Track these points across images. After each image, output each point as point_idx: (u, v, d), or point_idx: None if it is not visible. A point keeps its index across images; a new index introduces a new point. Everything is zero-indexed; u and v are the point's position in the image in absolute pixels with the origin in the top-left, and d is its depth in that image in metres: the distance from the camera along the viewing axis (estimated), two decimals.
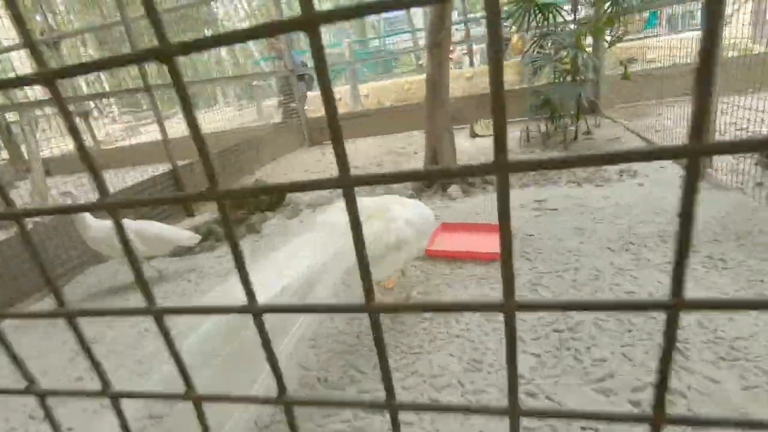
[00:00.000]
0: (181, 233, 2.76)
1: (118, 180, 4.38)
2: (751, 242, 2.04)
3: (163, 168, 4.30)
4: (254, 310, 0.29)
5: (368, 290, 0.26)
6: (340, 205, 1.82)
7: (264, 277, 1.26)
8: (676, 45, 5.38)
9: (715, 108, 2.85)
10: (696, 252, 2.03)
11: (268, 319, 0.32)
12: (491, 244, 2.38)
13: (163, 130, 3.88)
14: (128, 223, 2.65)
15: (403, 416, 1.37)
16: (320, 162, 5.61)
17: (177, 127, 6.53)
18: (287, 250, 1.46)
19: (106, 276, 2.93)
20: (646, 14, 8.71)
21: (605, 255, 2.13)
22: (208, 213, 4.12)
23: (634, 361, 1.43)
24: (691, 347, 1.45)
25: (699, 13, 8.92)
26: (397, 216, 1.72)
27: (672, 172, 3.21)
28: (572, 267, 2.05)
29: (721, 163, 2.92)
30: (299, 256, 1.40)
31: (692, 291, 1.75)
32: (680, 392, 1.29)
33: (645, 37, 8.24)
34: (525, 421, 1.27)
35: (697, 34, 4.84)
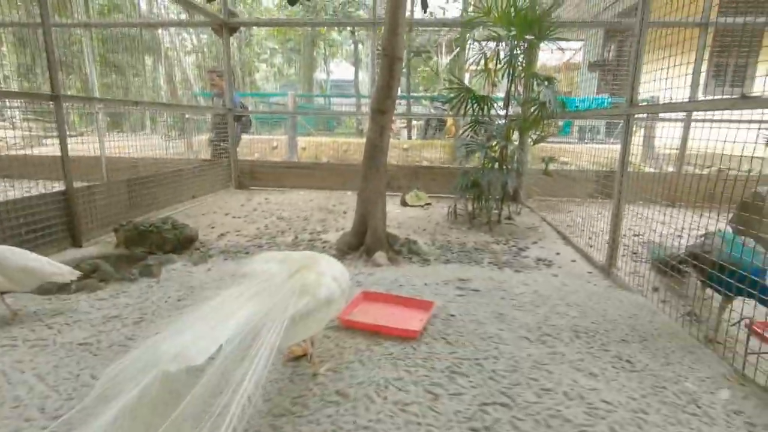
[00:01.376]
0: (58, 266, 2.30)
1: None
2: (653, 346, 2.12)
3: (56, 187, 3.73)
4: None
5: None
6: (264, 255, 1.66)
7: (203, 329, 1.11)
8: (583, 152, 6.10)
9: (620, 214, 3.14)
10: (606, 350, 2.07)
11: None
12: (412, 320, 2.26)
13: (63, 145, 3.40)
14: None
15: None
16: (244, 207, 5.28)
17: (88, 146, 5.89)
18: (220, 300, 1.30)
19: None
20: (561, 123, 9.89)
21: (523, 345, 2.09)
22: (98, 246, 3.58)
23: None
24: None
25: (603, 129, 10.36)
26: (325, 271, 1.61)
27: (581, 267, 3.41)
28: (492, 356, 1.98)
29: (623, 264, 3.16)
30: (236, 307, 1.22)
31: (604, 392, 1.73)
32: None
33: (560, 142, 9.31)
34: None
35: (599, 146, 5.50)
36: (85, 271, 2.70)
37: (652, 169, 6.46)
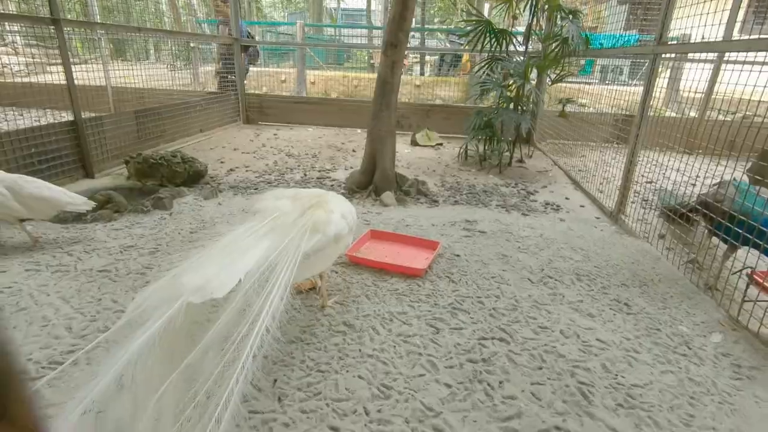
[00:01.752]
0: (73, 197, 2.35)
1: (8, 121, 3.70)
2: (652, 291, 2.18)
3: (65, 117, 3.71)
4: None
5: None
6: (275, 192, 1.67)
7: (223, 263, 1.16)
8: (603, 94, 5.83)
9: (634, 160, 3.07)
10: (606, 293, 2.12)
11: None
12: (418, 258, 2.31)
13: (68, 73, 3.33)
14: (1, 176, 2.20)
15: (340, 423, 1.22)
16: (252, 142, 5.24)
17: (92, 75, 5.77)
18: (235, 235, 1.34)
19: None
20: (583, 61, 9.39)
21: (525, 286, 2.15)
22: (110, 177, 3.62)
23: (542, 401, 1.42)
24: (595, 391, 1.47)
25: (626, 69, 9.83)
26: (333, 208, 1.63)
27: (590, 212, 3.40)
28: (493, 294, 2.04)
29: (632, 210, 3.15)
30: (252, 244, 1.27)
31: (600, 331, 1.81)
32: None
33: (579, 82, 8.89)
34: None
35: (621, 88, 5.25)
36: (99, 202, 2.75)
37: (673, 114, 6.21)
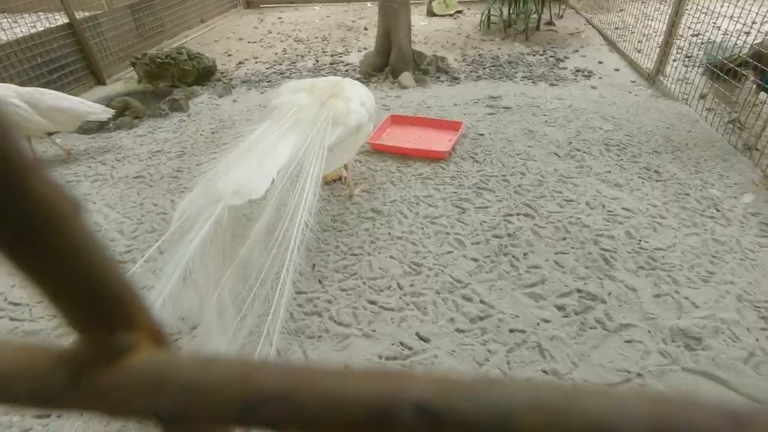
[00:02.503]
0: (91, 105, 2.35)
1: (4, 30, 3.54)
2: (685, 156, 2.11)
3: (59, 19, 3.52)
4: None
5: None
6: (290, 85, 1.62)
7: (254, 164, 1.19)
8: None
9: (681, 8, 2.72)
10: (636, 162, 2.08)
11: None
12: (441, 140, 2.28)
13: None
14: (18, 90, 2.19)
15: (342, 317, 1.37)
16: (257, 30, 4.90)
17: None
18: (259, 134, 1.36)
19: None
20: None
21: (552, 160, 2.12)
22: (122, 82, 3.55)
23: (565, 268, 1.50)
24: (617, 257, 1.54)
25: None
26: (351, 97, 1.58)
27: (625, 76, 3.16)
28: (519, 171, 2.04)
29: (672, 70, 2.89)
30: (277, 142, 1.28)
31: (626, 200, 1.81)
32: (601, 298, 1.39)
33: None
34: (460, 325, 1.32)
35: None
36: (117, 109, 2.75)
37: None
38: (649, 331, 1.28)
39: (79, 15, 3.40)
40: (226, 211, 1.05)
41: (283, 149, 1.26)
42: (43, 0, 3.72)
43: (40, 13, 4.43)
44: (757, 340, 1.25)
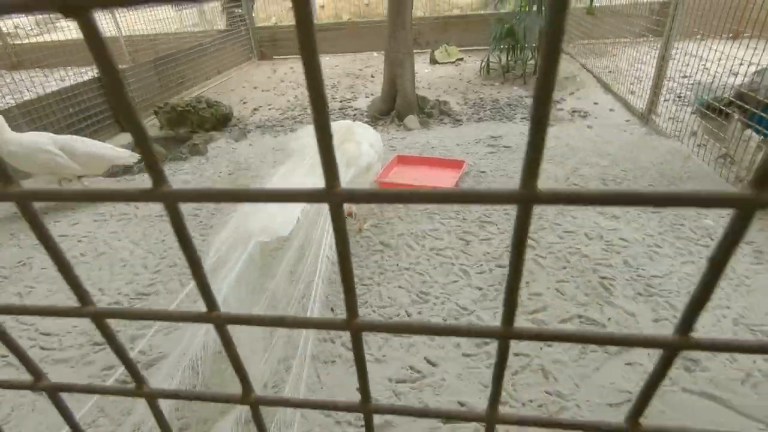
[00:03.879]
0: (118, 151, 2.54)
1: (36, 84, 3.84)
2: (680, 188, 2.20)
3: (87, 73, 3.81)
4: (217, 320, 0.26)
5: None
6: (307, 130, 1.78)
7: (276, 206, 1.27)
8: None
9: (668, 54, 2.91)
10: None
11: None
12: (446, 178, 2.41)
13: None
14: (54, 138, 2.38)
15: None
16: (270, 79, 5.22)
17: (104, 25, 5.70)
18: (281, 176, 1.49)
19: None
20: None
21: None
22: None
23: (566, 295, 1.57)
24: (616, 284, 1.61)
25: None
26: (361, 139, 1.73)
27: (619, 115, 3.32)
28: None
29: (664, 110, 3.05)
30: (298, 182, 1.41)
31: (623, 231, 1.90)
32: (601, 323, 1.45)
33: None
34: (468, 349, 1.39)
35: None
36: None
37: None
38: (649, 354, 1.33)
39: None
40: (257, 248, 1.16)
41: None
42: (74, 55, 4.05)
43: (68, 68, 4.79)
44: (755, 361, 1.29)
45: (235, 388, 0.28)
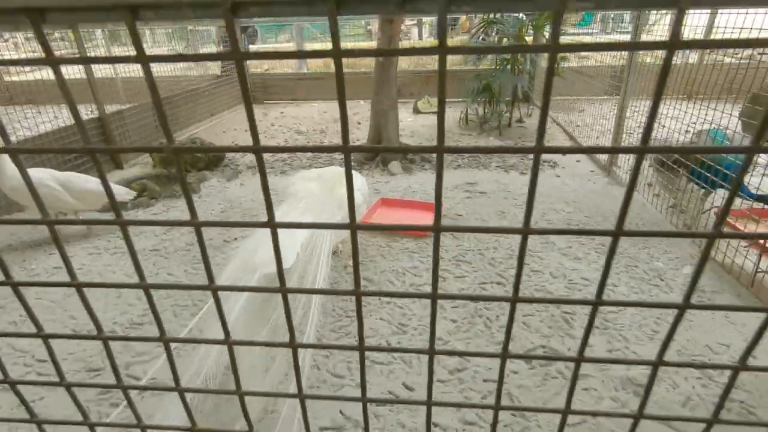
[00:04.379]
0: (115, 188, 2.67)
1: (29, 120, 3.98)
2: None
3: (81, 111, 3.98)
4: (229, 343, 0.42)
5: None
6: (302, 174, 1.95)
7: (282, 237, 1.39)
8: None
9: (626, 111, 3.26)
10: (593, 239, 2.40)
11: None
12: (425, 220, 2.60)
13: (88, 69, 3.58)
14: (54, 174, 2.51)
15: (337, 370, 1.56)
16: (261, 122, 5.48)
17: (96, 67, 5.94)
18: (280, 216, 1.64)
19: (26, 228, 2.76)
20: (582, 13, 9.22)
21: (520, 237, 2.43)
22: (138, 167, 3.93)
23: (531, 328, 1.73)
24: (576, 318, 1.78)
25: (627, 16, 9.64)
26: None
27: (584, 166, 3.63)
28: (492, 247, 2.34)
29: (624, 162, 3.37)
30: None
31: (584, 271, 2.10)
32: (561, 353, 1.61)
33: (579, 34, 8.81)
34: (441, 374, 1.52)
35: (624, 37, 5.29)
36: (136, 191, 3.07)
37: (676, 60, 6.22)
38: (603, 381, 1.49)
39: (108, 109, 3.87)
40: (263, 279, 1.29)
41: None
42: (75, 94, 4.23)
43: (61, 105, 4.95)
44: (693, 387, 1.46)
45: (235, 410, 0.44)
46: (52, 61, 0.31)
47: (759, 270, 1.92)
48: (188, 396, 1.14)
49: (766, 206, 2.28)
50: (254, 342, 0.44)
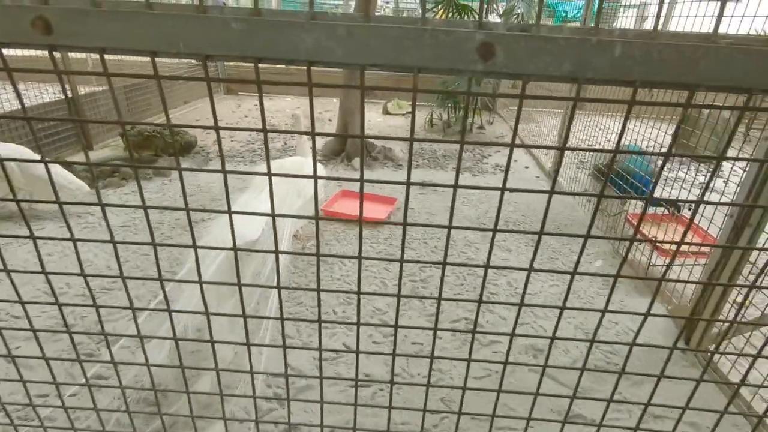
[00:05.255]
0: (70, 180, 2.65)
1: None
2: (563, 232, 2.79)
3: (47, 89, 4.04)
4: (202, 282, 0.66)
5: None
6: (263, 164, 2.16)
7: (247, 219, 1.58)
8: None
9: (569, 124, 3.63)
10: (525, 235, 2.73)
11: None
12: (380, 211, 2.87)
13: (63, 53, 3.66)
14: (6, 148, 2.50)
15: (288, 331, 1.80)
16: (235, 113, 5.61)
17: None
18: (245, 200, 1.83)
19: None
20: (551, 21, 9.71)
21: (463, 230, 2.73)
22: (109, 148, 4.02)
23: (459, 304, 2.02)
24: (498, 298, 2.08)
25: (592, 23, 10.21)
26: (310, 174, 2.14)
27: (531, 172, 3.98)
28: (436, 237, 2.63)
29: (568, 170, 3.74)
30: (261, 205, 1.75)
31: (512, 261, 2.41)
32: (480, 324, 1.90)
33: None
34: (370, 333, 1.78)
35: None
36: (105, 173, 3.20)
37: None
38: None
39: (81, 91, 3.95)
40: (242, 245, 1.51)
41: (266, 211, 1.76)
42: (39, 69, 4.27)
43: (28, 83, 4.95)
44: (581, 352, 1.78)
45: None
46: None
47: (651, 264, 2.29)
48: (165, 348, 1.36)
49: (665, 211, 2.67)
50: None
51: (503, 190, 0.53)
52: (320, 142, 4.42)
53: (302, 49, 0.45)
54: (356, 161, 3.77)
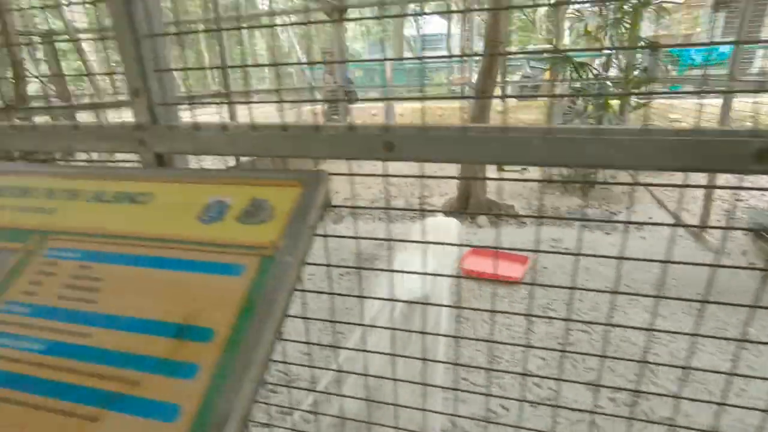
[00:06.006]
0: None
1: None
2: (724, 298, 2.51)
3: None
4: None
5: None
6: (417, 226, 2.37)
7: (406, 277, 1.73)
8: (696, 109, 5.85)
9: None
10: (680, 301, 2.51)
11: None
12: (515, 270, 2.88)
13: None
14: None
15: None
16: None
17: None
18: (403, 259, 1.98)
19: None
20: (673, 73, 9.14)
21: (604, 294, 2.62)
22: None
23: (615, 372, 1.92)
24: (659, 369, 1.94)
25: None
26: (456, 233, 2.28)
27: (672, 230, 3.68)
28: (576, 299, 2.55)
29: (716, 232, 3.39)
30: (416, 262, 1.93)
31: (669, 327, 2.23)
32: (645, 397, 1.78)
33: (670, 97, 8.73)
34: None
35: (714, 101, 5.29)
36: None
37: None
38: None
39: None
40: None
41: (417, 266, 1.90)
42: None
43: None
44: None
45: None
46: None
47: None
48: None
49: None
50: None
51: (666, 262, 0.60)
52: (441, 199, 4.62)
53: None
54: (480, 218, 3.86)
